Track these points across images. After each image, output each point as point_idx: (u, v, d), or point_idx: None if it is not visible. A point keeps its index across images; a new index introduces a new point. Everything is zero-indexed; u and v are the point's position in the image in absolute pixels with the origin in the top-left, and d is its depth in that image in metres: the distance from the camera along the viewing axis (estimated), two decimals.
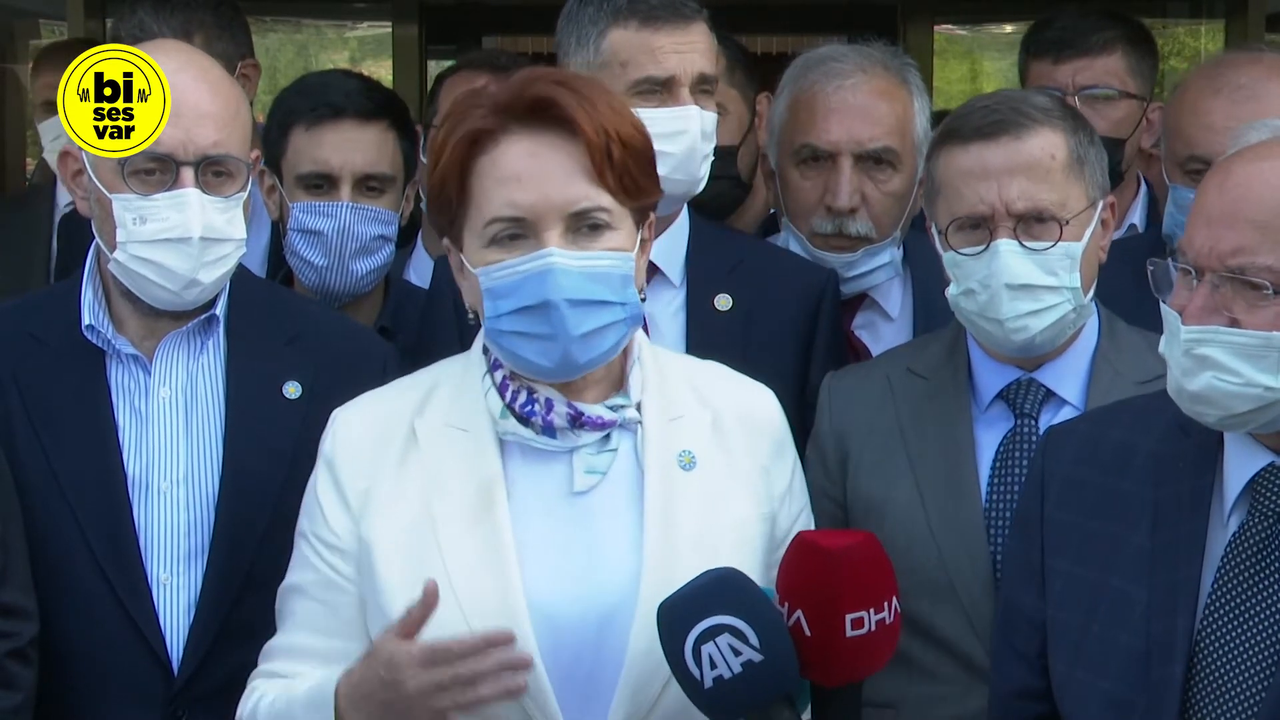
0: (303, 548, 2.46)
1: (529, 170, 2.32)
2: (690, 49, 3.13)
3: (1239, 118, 2.96)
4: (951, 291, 2.81)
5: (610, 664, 2.29)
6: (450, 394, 2.44)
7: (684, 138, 3.08)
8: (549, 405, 2.37)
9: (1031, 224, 2.75)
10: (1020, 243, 2.74)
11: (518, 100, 2.34)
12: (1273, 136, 2.22)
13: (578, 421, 2.37)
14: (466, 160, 2.35)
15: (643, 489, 2.37)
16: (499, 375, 2.41)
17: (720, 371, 2.56)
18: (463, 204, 2.36)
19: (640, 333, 2.49)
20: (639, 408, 2.42)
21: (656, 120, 3.00)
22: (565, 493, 2.37)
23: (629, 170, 2.34)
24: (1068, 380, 2.84)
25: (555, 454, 2.39)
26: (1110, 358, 2.85)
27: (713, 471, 2.40)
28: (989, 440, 2.83)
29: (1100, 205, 2.83)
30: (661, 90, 3.11)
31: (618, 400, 2.41)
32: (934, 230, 2.87)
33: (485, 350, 2.44)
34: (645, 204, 2.41)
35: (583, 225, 2.32)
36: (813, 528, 2.50)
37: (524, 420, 2.38)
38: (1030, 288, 2.74)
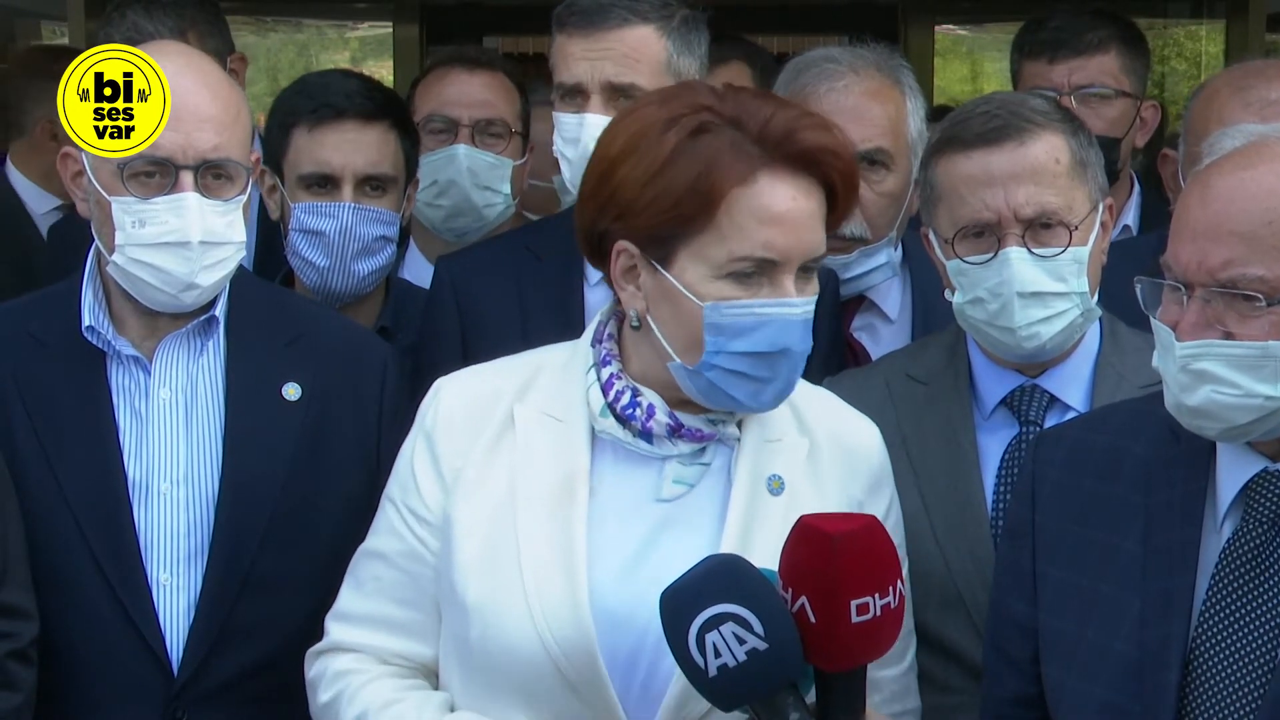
0: (390, 514, 2.47)
1: (790, 214, 2.30)
2: (602, 56, 3.15)
3: None
4: (957, 300, 2.78)
5: (666, 673, 2.27)
6: (552, 382, 2.45)
7: (579, 145, 3.12)
8: (650, 411, 2.38)
9: (1039, 230, 2.72)
10: (1029, 249, 2.71)
11: (788, 142, 2.30)
12: (1247, 143, 2.19)
13: (676, 432, 2.38)
14: (723, 187, 2.29)
15: (727, 506, 2.37)
16: (605, 372, 2.42)
17: (825, 399, 2.56)
18: (703, 228, 2.30)
19: None
20: (739, 425, 2.42)
21: (561, 125, 3.19)
22: (650, 498, 2.38)
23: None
24: (1071, 386, 2.81)
25: (647, 458, 2.39)
26: (1113, 362, 2.83)
27: (800, 498, 2.38)
28: (993, 447, 2.81)
29: (1101, 207, 2.81)
30: (574, 96, 3.17)
31: (719, 415, 2.41)
32: (932, 237, 2.85)
33: (594, 343, 2.45)
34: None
35: (808, 271, 2.35)
36: (906, 567, 2.44)
37: (623, 421, 2.39)
38: (1041, 295, 2.72)
